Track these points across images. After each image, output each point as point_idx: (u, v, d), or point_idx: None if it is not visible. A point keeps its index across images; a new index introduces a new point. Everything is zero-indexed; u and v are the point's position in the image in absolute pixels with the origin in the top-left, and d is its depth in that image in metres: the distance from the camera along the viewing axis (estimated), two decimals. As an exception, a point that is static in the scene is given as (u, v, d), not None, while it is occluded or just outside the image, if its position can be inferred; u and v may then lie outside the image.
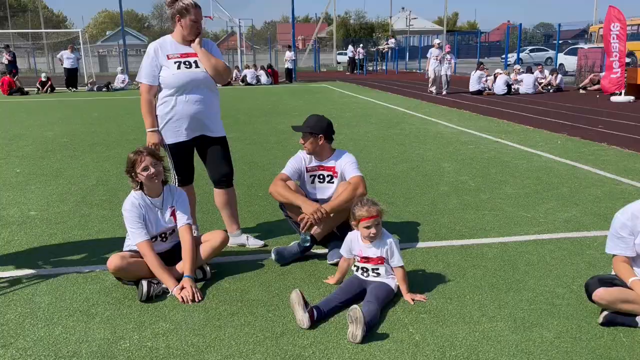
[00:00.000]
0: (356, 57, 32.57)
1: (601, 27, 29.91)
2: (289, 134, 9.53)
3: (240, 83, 23.50)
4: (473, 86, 17.16)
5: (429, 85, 18.05)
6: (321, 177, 4.08)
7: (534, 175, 6.26)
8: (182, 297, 3.21)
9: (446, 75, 17.73)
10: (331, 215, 3.72)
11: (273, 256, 3.76)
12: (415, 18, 74.25)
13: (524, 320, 2.94)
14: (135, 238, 3.37)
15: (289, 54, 24.80)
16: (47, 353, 2.70)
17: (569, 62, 24.73)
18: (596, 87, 17.71)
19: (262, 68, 24.36)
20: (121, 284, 3.46)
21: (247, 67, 24.63)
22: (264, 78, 23.56)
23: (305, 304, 2.91)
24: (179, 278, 3.37)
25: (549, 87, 18.05)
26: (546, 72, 18.80)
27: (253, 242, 4.15)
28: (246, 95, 18.15)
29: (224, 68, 3.98)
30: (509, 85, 17.13)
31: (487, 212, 4.88)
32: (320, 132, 3.96)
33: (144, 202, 3.46)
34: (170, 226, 3.55)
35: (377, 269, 3.21)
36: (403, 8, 78.59)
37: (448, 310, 3.07)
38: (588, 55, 20.39)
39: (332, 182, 4.06)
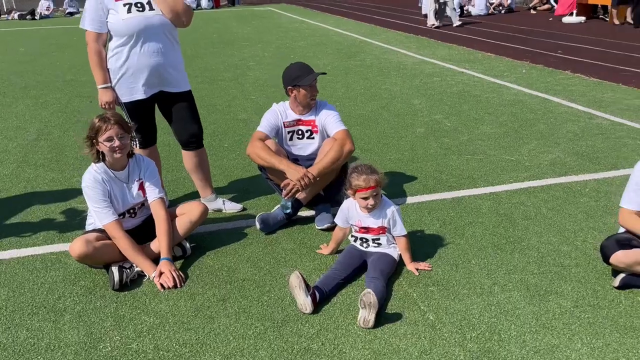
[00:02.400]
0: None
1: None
2: (243, 69, 8.91)
3: (179, 8, 21.90)
4: (425, 9, 16.59)
5: (430, 16, 13.94)
6: (300, 132, 3.68)
7: (508, 110, 6.06)
8: (162, 284, 2.85)
9: (451, 1, 13.89)
10: (318, 178, 3.38)
11: (258, 225, 3.41)
12: None
13: (537, 287, 2.77)
14: (101, 218, 2.93)
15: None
16: (14, 367, 2.33)
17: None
18: (546, 6, 17.57)
19: (202, -9, 22.71)
20: (87, 267, 3.05)
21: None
22: (204, 2, 22.03)
23: (307, 286, 2.63)
24: (154, 259, 2.99)
25: (500, 8, 17.75)
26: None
27: (230, 207, 3.77)
28: (188, 23, 16.91)
29: (185, 9, 3.41)
30: (461, 7, 16.69)
31: (470, 157, 4.66)
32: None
33: (107, 175, 2.99)
34: (139, 201, 3.12)
35: (378, 239, 2.94)
36: None
37: (456, 279, 2.87)
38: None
39: (313, 138, 3.68)
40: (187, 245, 3.16)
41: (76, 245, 2.82)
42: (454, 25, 13.82)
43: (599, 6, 15.38)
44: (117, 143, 2.88)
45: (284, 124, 3.64)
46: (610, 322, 2.50)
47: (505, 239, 3.28)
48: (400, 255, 2.98)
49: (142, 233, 3.13)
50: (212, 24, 16.26)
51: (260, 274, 2.98)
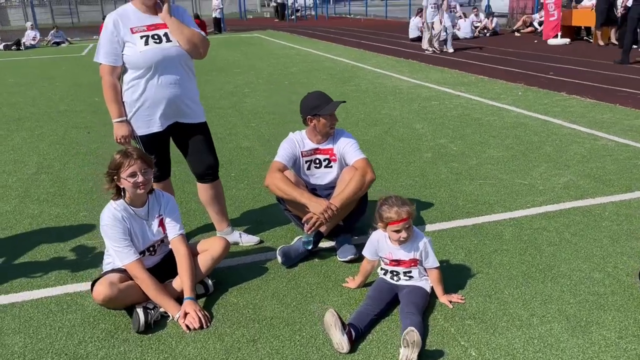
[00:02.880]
0: (285, 2, 31.28)
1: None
2: (239, 96, 8.86)
3: (166, 35, 21.92)
4: (412, 33, 16.82)
5: (425, 41, 13.92)
6: (317, 161, 3.61)
7: (511, 133, 6.07)
8: (188, 325, 2.72)
9: (448, 26, 13.91)
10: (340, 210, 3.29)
11: (279, 259, 3.30)
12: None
13: (577, 318, 2.70)
14: (122, 258, 2.80)
15: (216, 2, 23.30)
16: (39, 423, 2.18)
17: (496, 4, 24.71)
18: (529, 29, 17.93)
19: (189, 18, 22.79)
20: (106, 309, 2.91)
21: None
22: (191, 29, 22.07)
23: (342, 324, 2.52)
24: (177, 298, 2.87)
25: (485, 31, 18.06)
26: (481, 15, 18.76)
27: (247, 239, 3.66)
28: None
29: (201, 40, 3.35)
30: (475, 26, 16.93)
31: (483, 182, 4.62)
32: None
33: (127, 213, 2.87)
34: (159, 238, 3.00)
35: (410, 272, 2.85)
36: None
37: (492, 311, 2.78)
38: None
39: (331, 167, 3.61)
40: (210, 282, 3.04)
41: (100, 289, 2.68)
42: (449, 51, 13.75)
43: (582, 28, 15.73)
44: (140, 179, 2.77)
45: (301, 154, 3.56)
46: (658, 353, 2.43)
47: (534, 266, 3.21)
48: (431, 288, 2.89)
49: (162, 271, 3.00)
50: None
51: (288, 311, 2.87)
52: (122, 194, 2.88)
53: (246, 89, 9.56)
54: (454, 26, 17.49)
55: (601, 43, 14.09)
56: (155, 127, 3.33)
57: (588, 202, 4.12)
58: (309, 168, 3.60)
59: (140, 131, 3.33)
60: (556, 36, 14.86)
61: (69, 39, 21.33)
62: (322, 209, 3.19)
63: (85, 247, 3.69)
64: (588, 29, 15.48)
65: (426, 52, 13.69)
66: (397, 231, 2.74)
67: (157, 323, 2.77)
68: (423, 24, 14.36)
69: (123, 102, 3.29)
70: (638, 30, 11.71)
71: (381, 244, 2.88)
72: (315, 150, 3.57)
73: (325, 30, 22.72)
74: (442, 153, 5.47)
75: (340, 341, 2.49)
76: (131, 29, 3.15)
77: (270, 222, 3.98)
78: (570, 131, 6.08)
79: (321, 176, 3.62)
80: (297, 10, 32.68)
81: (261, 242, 3.68)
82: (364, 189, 3.38)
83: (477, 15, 18.45)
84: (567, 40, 14.73)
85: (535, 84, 8.91)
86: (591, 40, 14.81)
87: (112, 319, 2.83)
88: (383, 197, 2.86)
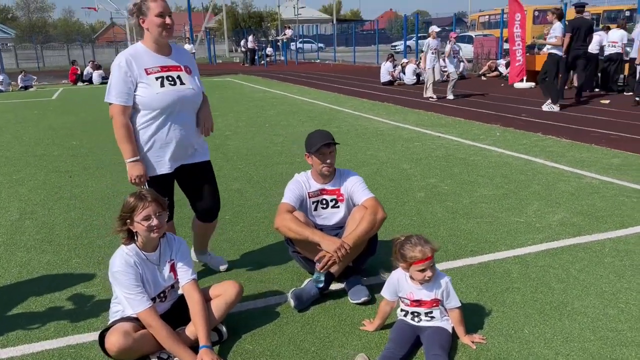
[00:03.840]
0: (255, 48, 31.78)
1: (481, 15, 31.81)
2: (222, 139, 8.81)
3: (137, 79, 21.86)
4: (384, 77, 17.24)
5: (426, 89, 13.26)
6: (324, 202, 3.57)
7: (498, 172, 6.18)
8: (206, 374, 2.59)
9: (452, 72, 13.47)
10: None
11: (292, 302, 3.21)
12: (303, 7, 74.27)
13: (601, 356, 2.68)
14: (135, 306, 2.66)
15: (187, 47, 23.46)
16: None
17: (463, 49, 25.68)
18: (495, 73, 18.62)
19: (160, 63, 22.84)
20: (113, 360, 2.75)
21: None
22: (162, 73, 22.08)
23: (373, 369, 2.44)
24: (191, 346, 2.73)
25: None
26: (447, 61, 19.36)
27: (216, 261, 3.84)
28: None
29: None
30: (417, 75, 17.42)
31: (480, 220, 4.66)
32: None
33: (139, 258, 2.76)
34: (170, 283, 2.88)
35: (431, 312, 2.80)
36: (290, -4, 78.14)
37: (516, 351, 2.75)
38: (484, 43, 21.40)
39: (338, 207, 3.58)
40: (224, 329, 2.92)
41: (115, 339, 2.53)
42: (448, 98, 13.03)
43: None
44: (155, 222, 2.68)
45: (308, 195, 3.53)
46: (688, 388, 2.43)
47: (549, 304, 3.21)
48: (453, 328, 2.85)
49: (172, 318, 2.86)
50: (176, 94, 16.21)
51: (307, 358, 2.76)
52: (135, 238, 2.77)
53: (227, 131, 9.53)
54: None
55: (565, 87, 14.69)
56: (164, 168, 3.27)
57: (586, 239, 4.18)
58: (315, 209, 3.56)
59: (149, 172, 3.25)
60: (522, 80, 15.46)
61: (35, 83, 21.05)
62: (335, 247, 3.14)
63: (83, 295, 3.51)
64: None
65: (430, 99, 12.82)
66: (422, 270, 2.70)
67: (171, 374, 2.63)
68: (422, 70, 13.93)
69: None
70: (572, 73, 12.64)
71: (402, 284, 2.83)
72: (322, 191, 3.54)
73: (296, 74, 23.06)
74: (435, 192, 5.51)
75: (371, 387, 2.40)
76: (145, 69, 3.12)
77: (273, 264, 3.90)
78: (553, 170, 6.23)
79: (328, 217, 3.58)
80: (267, 56, 33.18)
81: (227, 268, 3.81)
82: (376, 228, 3.35)
83: (444, 60, 19.03)
84: (532, 84, 15.31)
85: (511, 125, 9.18)
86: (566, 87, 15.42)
87: (123, 372, 2.67)
88: (402, 237, 2.83)
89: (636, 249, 3.97)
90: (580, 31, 11.40)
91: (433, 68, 13.20)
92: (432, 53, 13.11)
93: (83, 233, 4.66)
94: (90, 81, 22.24)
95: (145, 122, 3.17)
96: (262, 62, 31.53)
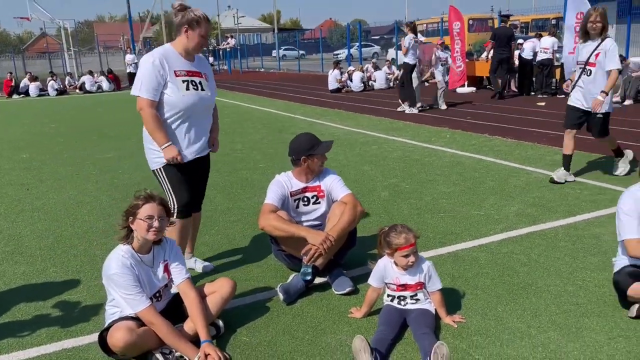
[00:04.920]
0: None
1: (419, 24, 32.83)
2: (179, 148, 8.78)
3: (78, 91, 21.28)
4: (332, 85, 17.58)
5: (404, 101, 12.27)
6: (305, 199, 3.75)
7: (453, 171, 6.54)
8: (210, 366, 2.70)
9: (439, 80, 12.90)
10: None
11: (281, 296, 3.36)
12: (243, 16, 74.17)
13: (568, 326, 2.99)
14: (134, 305, 2.74)
15: (130, 57, 23.05)
16: None
17: (401, 56, 26.49)
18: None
19: (102, 74, 22.33)
20: (113, 359, 2.81)
21: (84, 73, 22.32)
22: (105, 84, 21.61)
23: (370, 349, 2.63)
24: (191, 341, 2.83)
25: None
26: (393, 67, 20.01)
27: (202, 265, 3.93)
28: (95, 105, 16.46)
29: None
30: (364, 82, 17.89)
31: (444, 215, 4.96)
32: None
33: (134, 259, 2.83)
34: (164, 284, 2.97)
35: (416, 295, 3.03)
36: (229, 6, 77.84)
37: (493, 327, 3.01)
38: (425, 51, 22.16)
39: (318, 203, 3.77)
40: (221, 323, 3.03)
41: (120, 335, 2.60)
42: (441, 108, 12.40)
43: (485, 77, 17.26)
44: (156, 223, 2.77)
45: (290, 194, 3.69)
46: (644, 348, 2.76)
47: (516, 285, 3.51)
48: (436, 310, 3.08)
49: (169, 316, 2.94)
50: (126, 105, 15.94)
51: (303, 345, 2.92)
52: (130, 239, 2.85)
53: (183, 140, 9.51)
54: (369, 77, 18.55)
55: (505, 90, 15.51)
56: (185, 158, 3.51)
57: (541, 227, 4.55)
58: (297, 206, 3.73)
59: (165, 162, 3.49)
60: (463, 85, 16.19)
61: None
62: (320, 240, 3.33)
63: (69, 302, 3.52)
64: (489, 78, 17.01)
65: (406, 111, 12.05)
66: (406, 256, 2.93)
67: (175, 368, 2.73)
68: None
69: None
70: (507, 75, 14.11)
71: (388, 270, 3.05)
72: (304, 189, 3.72)
73: (242, 83, 23.09)
74: (397, 191, 5.79)
75: (369, 365, 2.59)
76: (175, 71, 3.35)
77: (254, 263, 4.02)
78: (504, 167, 6.66)
79: (309, 213, 3.76)
80: (212, 65, 32.99)
81: (213, 269, 3.91)
82: (356, 221, 3.57)
83: (389, 67, 19.66)
84: (473, 89, 16.07)
85: (459, 128, 9.66)
86: (492, 89, 16.25)
87: (125, 369, 2.74)
88: (387, 226, 3.05)
89: (585, 233, 4.36)
90: (502, 39, 13.37)
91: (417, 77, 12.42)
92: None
93: (54, 243, 4.62)
94: (26, 93, 21.42)
95: (169, 117, 3.41)
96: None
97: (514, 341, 2.86)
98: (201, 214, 3.95)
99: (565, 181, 5.76)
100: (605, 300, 3.25)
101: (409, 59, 11.81)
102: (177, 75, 3.36)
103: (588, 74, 5.59)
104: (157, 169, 3.52)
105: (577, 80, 5.75)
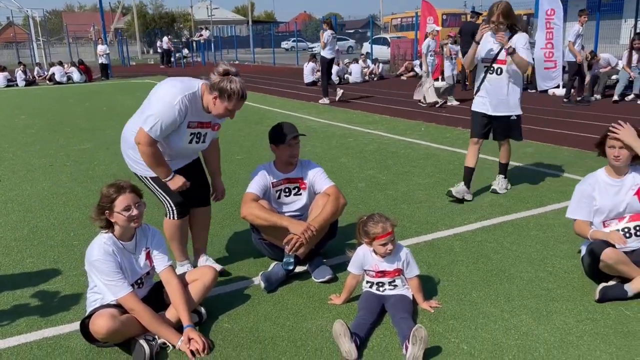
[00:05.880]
0: (171, 49, 31.15)
1: (393, 18, 33.12)
2: (155, 139, 8.72)
3: (48, 82, 20.83)
4: (307, 78, 17.60)
5: (421, 92, 12.26)
6: (287, 190, 3.80)
7: (428, 163, 6.66)
8: (192, 352, 2.73)
9: (452, 76, 12.55)
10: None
11: (263, 284, 3.41)
12: (216, 8, 73.39)
13: (539, 310, 3.11)
14: (116, 292, 2.76)
15: (101, 48, 22.61)
16: None
17: (381, 51, 26.49)
18: (411, 73, 19.55)
19: (73, 64, 21.89)
20: (95, 347, 2.82)
21: (54, 64, 21.82)
22: (76, 75, 21.19)
23: (350, 333, 2.70)
24: (174, 328, 2.87)
25: (373, 76, 19.38)
26: (368, 61, 20.14)
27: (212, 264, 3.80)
28: (67, 96, 16.15)
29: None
30: (339, 76, 17.95)
31: (420, 205, 5.07)
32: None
33: (116, 247, 2.85)
34: (146, 271, 2.99)
35: (394, 281, 3.11)
36: (203, -3, 76.86)
37: (468, 312, 3.12)
38: (400, 45, 22.37)
39: (300, 194, 3.82)
40: (203, 310, 3.07)
41: (102, 322, 2.62)
42: (453, 104, 12.12)
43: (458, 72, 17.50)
44: (135, 212, 2.78)
45: (272, 184, 3.73)
46: (611, 330, 2.89)
47: (489, 272, 3.63)
48: (412, 296, 3.17)
49: (150, 303, 2.96)
50: (98, 97, 15.70)
51: (285, 331, 2.98)
52: (109, 226, 2.85)
53: (159, 132, 9.43)
54: (346, 71, 18.62)
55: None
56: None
57: (513, 217, 4.69)
58: (279, 197, 3.77)
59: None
60: (437, 79, 16.38)
61: None
62: (302, 229, 3.38)
63: (47, 292, 3.51)
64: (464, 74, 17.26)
65: (437, 105, 11.73)
66: (384, 244, 3.00)
67: (157, 354, 2.76)
68: (423, 73, 12.63)
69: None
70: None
71: (367, 258, 3.12)
72: (285, 180, 3.76)
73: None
74: (374, 182, 5.88)
75: (350, 349, 2.66)
76: (189, 122, 3.26)
77: (233, 254, 4.07)
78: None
79: (290, 204, 3.81)
80: (185, 57, 32.63)
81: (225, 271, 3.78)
82: (339, 212, 3.63)
83: (364, 61, 19.77)
84: (445, 83, 16.26)
85: (433, 121, 9.81)
86: (467, 83, 16.50)
87: (108, 356, 2.77)
88: (365, 216, 3.12)
89: (555, 222, 4.51)
90: (467, 33, 12.82)
91: (431, 71, 12.29)
92: (432, 55, 12.30)
93: (30, 234, 4.57)
94: (-6, 84, 20.87)
95: (165, 152, 3.34)
96: (180, 62, 30.94)
97: (488, 325, 2.97)
98: (210, 208, 3.80)
99: (464, 198, 5.07)
100: (574, 286, 3.39)
101: (326, 54, 12.35)
102: (188, 127, 3.26)
103: (498, 72, 4.87)
104: (145, 177, 3.39)
105: (482, 81, 5.01)
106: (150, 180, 3.38)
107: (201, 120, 3.31)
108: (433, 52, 12.36)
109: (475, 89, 5.12)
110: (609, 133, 3.33)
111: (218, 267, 3.70)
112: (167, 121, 3.11)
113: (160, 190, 3.39)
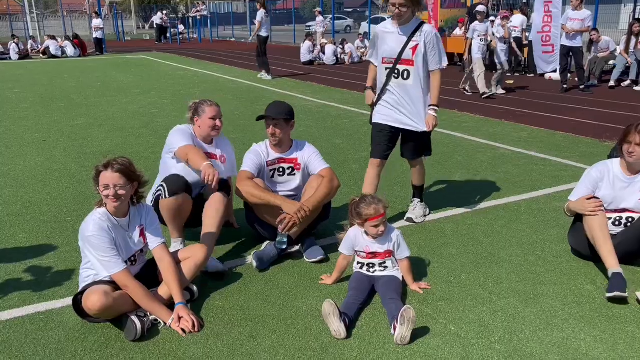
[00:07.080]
0: (166, 25, 30.75)
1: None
2: (149, 117, 8.70)
3: (42, 55, 20.60)
4: (304, 57, 17.48)
5: (468, 79, 11.09)
6: (281, 170, 3.81)
7: (423, 146, 6.66)
8: (183, 329, 2.77)
9: (502, 61, 10.68)
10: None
11: (255, 263, 3.44)
12: (213, -17, 72.43)
13: (526, 293, 3.16)
14: (110, 268, 2.78)
15: (96, 22, 22.31)
16: None
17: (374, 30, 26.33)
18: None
19: (67, 38, 21.62)
20: (87, 322, 2.85)
21: (49, 37, 21.53)
22: (70, 50, 20.94)
23: (340, 313, 2.74)
24: (166, 305, 2.90)
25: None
26: (366, 41, 19.96)
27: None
28: (61, 71, 15.98)
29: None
30: (336, 56, 17.81)
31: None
32: (293, 118, 3.69)
33: (111, 222, 2.86)
34: (140, 248, 3.01)
35: (384, 262, 3.15)
36: (200, -27, 75.65)
37: (457, 294, 3.16)
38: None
39: (294, 175, 3.83)
40: (195, 288, 3.10)
41: (96, 299, 2.64)
42: (498, 92, 10.83)
43: (456, 54, 17.41)
44: (111, 192, 2.77)
45: (266, 163, 3.74)
46: (596, 314, 2.94)
47: (479, 255, 3.67)
48: (403, 277, 3.21)
49: (143, 280, 2.98)
50: (92, 72, 15.53)
51: (275, 309, 3.02)
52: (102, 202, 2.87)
53: (153, 109, 9.40)
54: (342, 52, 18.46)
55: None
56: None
57: (505, 201, 4.73)
58: (273, 176, 3.78)
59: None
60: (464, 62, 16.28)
61: None
62: (296, 209, 3.40)
63: (40, 267, 3.53)
64: (460, 55, 17.17)
65: (484, 96, 10.20)
66: (376, 226, 3.03)
67: (149, 330, 2.79)
68: (466, 61, 11.28)
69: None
70: None
71: (358, 239, 3.15)
72: (279, 160, 3.77)
73: (212, 52, 22.72)
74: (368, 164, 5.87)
75: (339, 328, 2.70)
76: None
77: (224, 234, 4.08)
78: (471, 143, 6.83)
79: (284, 183, 3.82)
80: (181, 33, 32.25)
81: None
82: (332, 194, 3.65)
83: (362, 41, 19.61)
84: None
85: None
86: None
87: (100, 332, 2.79)
88: (357, 198, 3.14)
89: (546, 207, 4.55)
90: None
91: (484, 57, 10.42)
92: (481, 39, 10.26)
93: (22, 210, 4.58)
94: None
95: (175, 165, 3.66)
96: (175, 38, 30.59)
97: (476, 307, 3.02)
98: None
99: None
100: (561, 270, 3.44)
101: (262, 32, 13.32)
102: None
103: (404, 76, 3.84)
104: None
105: (384, 87, 3.95)
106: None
107: (204, 152, 3.66)
108: (484, 35, 10.23)
109: (376, 96, 4.07)
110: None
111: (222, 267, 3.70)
112: (186, 139, 3.71)
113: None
